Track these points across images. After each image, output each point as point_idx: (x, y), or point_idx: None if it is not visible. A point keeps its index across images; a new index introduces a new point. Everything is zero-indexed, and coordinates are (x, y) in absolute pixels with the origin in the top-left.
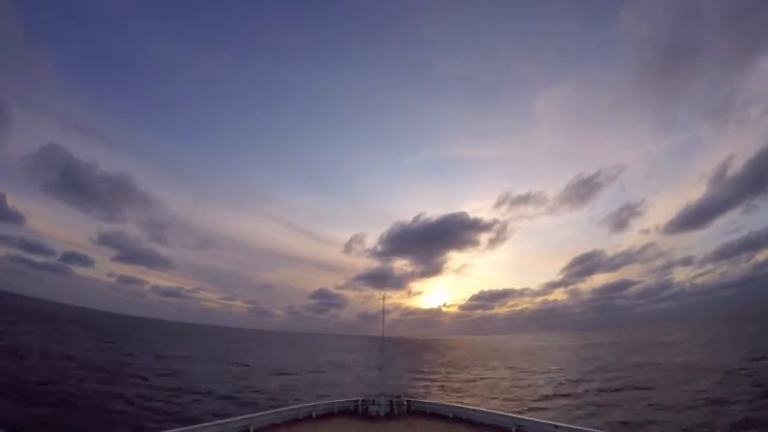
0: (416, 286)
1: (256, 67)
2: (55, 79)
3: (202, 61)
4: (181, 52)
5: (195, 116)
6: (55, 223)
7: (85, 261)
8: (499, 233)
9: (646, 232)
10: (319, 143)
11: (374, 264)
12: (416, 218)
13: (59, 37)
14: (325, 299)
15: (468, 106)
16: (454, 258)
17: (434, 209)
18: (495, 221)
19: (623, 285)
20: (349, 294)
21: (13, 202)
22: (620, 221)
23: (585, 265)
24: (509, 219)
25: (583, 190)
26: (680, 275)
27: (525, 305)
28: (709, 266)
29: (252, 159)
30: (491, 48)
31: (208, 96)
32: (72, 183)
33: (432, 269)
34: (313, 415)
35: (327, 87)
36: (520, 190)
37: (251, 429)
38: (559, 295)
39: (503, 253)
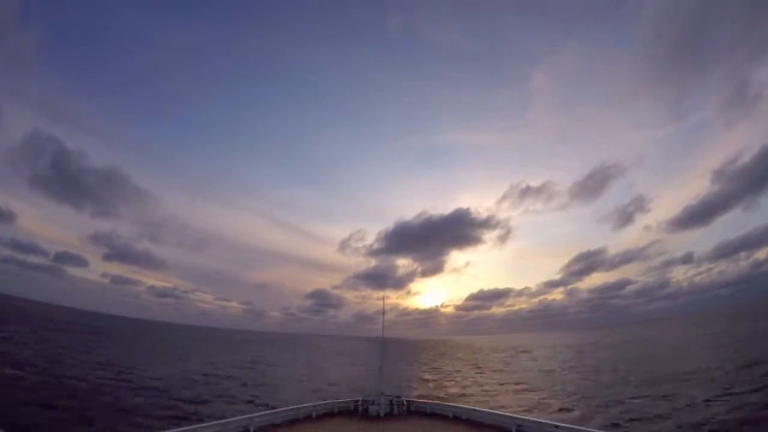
0: (415, 285)
1: (248, 59)
2: (43, 69)
3: (196, 55)
4: (175, 47)
5: (190, 110)
6: (46, 221)
7: (78, 261)
8: (504, 231)
9: (648, 228)
10: (316, 138)
11: (372, 263)
12: (418, 215)
13: (46, 22)
14: (322, 299)
15: (464, 88)
16: (455, 256)
17: (433, 203)
18: (502, 219)
19: (621, 284)
20: (347, 294)
21: (1, 199)
22: (625, 216)
23: (585, 263)
24: (513, 216)
25: (591, 183)
26: (679, 274)
27: (521, 305)
28: (708, 265)
29: (248, 155)
30: (491, 16)
31: (203, 91)
32: (61, 175)
33: (433, 268)
34: (314, 415)
35: (321, 75)
36: (524, 182)
37: (251, 429)
38: (557, 294)
39: (505, 251)
